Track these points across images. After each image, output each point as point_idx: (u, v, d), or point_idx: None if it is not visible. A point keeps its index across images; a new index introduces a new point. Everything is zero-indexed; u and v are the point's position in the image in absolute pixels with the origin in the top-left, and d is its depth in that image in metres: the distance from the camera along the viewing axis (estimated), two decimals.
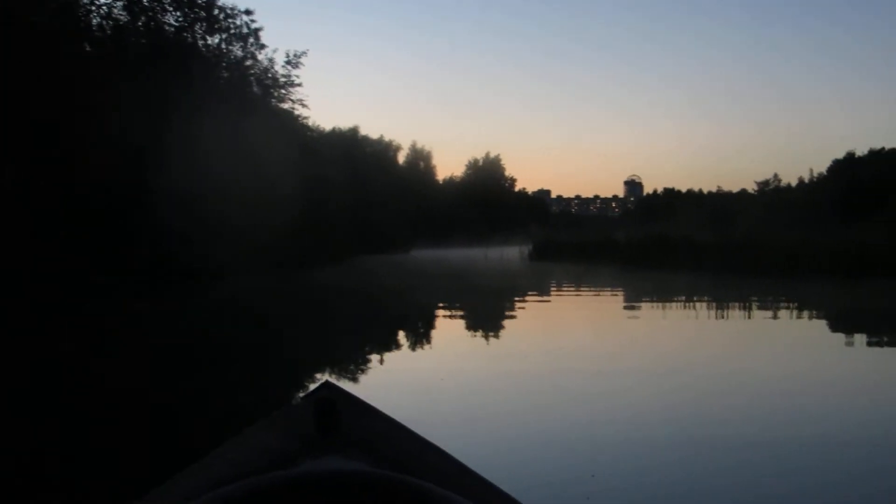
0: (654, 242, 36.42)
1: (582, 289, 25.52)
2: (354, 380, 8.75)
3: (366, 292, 25.68)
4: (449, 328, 15.41)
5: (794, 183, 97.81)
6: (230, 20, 36.61)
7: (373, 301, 22.43)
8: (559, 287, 26.91)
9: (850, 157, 79.93)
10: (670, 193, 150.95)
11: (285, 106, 41.13)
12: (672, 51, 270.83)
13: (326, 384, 2.56)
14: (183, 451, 5.54)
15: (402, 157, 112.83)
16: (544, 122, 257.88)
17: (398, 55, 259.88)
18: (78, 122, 23.59)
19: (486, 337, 13.70)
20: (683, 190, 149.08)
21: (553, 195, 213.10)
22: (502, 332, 14.34)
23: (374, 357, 10.96)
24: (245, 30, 37.45)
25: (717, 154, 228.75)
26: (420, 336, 14.06)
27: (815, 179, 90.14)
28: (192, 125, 27.51)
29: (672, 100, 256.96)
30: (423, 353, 11.71)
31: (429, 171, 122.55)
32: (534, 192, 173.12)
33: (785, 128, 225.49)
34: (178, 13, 31.69)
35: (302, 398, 2.52)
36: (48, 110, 22.83)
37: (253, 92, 38.56)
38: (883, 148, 76.85)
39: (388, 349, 11.94)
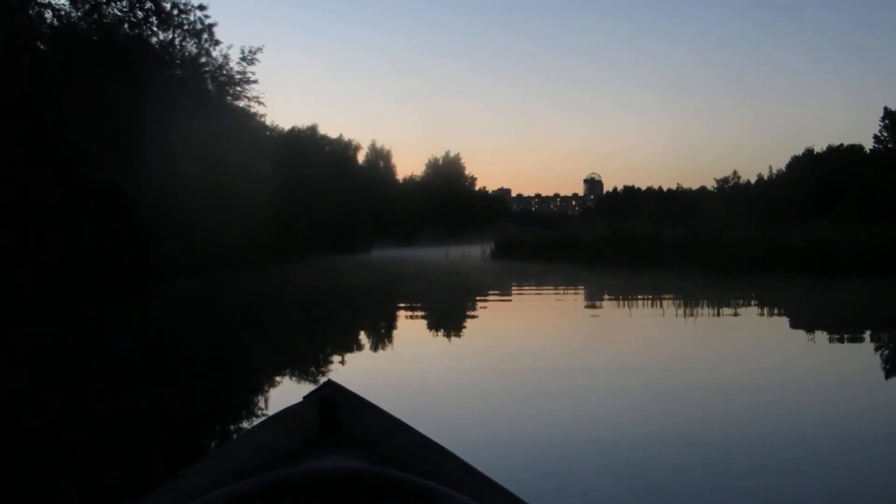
0: (617, 240, 36.01)
1: (544, 288, 25.03)
2: (341, 377, 8.20)
3: (328, 291, 25.07)
4: (414, 328, 15.10)
5: (753, 180, 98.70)
6: (183, 16, 35.93)
7: (338, 300, 21.88)
8: (520, 286, 26.38)
9: (809, 153, 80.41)
10: (630, 191, 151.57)
11: (241, 104, 40.51)
12: (630, 48, 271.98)
13: (329, 383, 2.49)
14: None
15: (361, 157, 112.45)
16: (503, 121, 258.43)
17: (357, 54, 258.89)
18: (19, 122, 22.85)
19: (452, 336, 13.44)
20: (643, 187, 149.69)
21: (513, 194, 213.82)
22: (468, 332, 13.96)
23: (357, 356, 11.06)
24: (199, 25, 36.79)
25: (676, 152, 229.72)
26: (384, 336, 13.87)
27: (773, 176, 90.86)
28: (142, 123, 26.82)
29: (630, 98, 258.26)
30: (389, 352, 11.64)
31: (389, 170, 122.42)
32: (494, 191, 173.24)
33: (744, 125, 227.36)
34: (128, 8, 30.65)
35: (304, 397, 2.45)
36: None
37: (208, 89, 37.84)
38: (842, 144, 77.40)
39: (353, 349, 12.06)
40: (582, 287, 25.02)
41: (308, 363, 10.60)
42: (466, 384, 8.34)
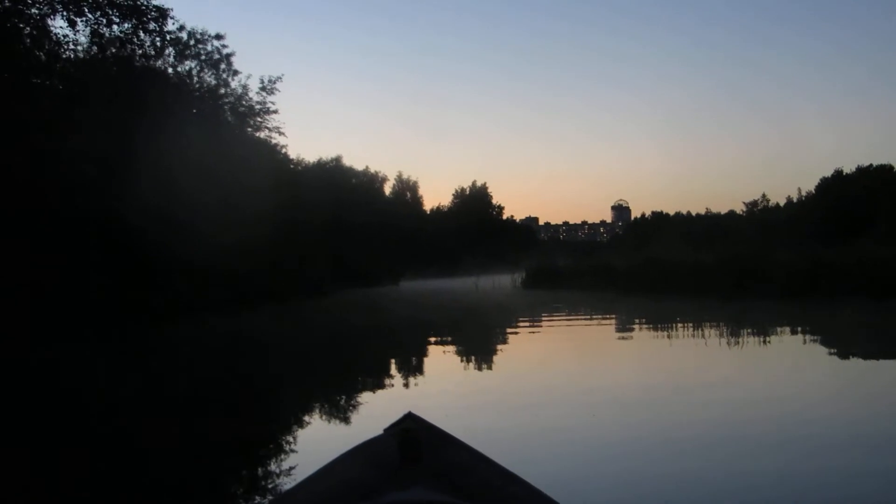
0: (652, 266, 34.62)
1: (587, 317, 23.73)
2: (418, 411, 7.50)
3: (373, 326, 23.94)
4: (473, 359, 14.41)
5: (782, 203, 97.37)
6: (200, 46, 35.18)
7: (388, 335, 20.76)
8: (563, 316, 25.01)
9: (839, 174, 79.05)
10: (658, 217, 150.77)
11: (261, 135, 39.57)
12: (656, 74, 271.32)
13: (409, 415, 2.68)
14: None
15: (388, 188, 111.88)
16: (530, 150, 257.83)
17: (381, 86, 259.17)
18: (37, 160, 22.01)
19: (514, 368, 12.92)
20: (671, 213, 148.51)
21: (541, 222, 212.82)
22: (531, 364, 13.10)
23: (426, 387, 10.61)
24: (216, 55, 35.99)
25: (704, 176, 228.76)
26: (450, 368, 13.22)
27: (803, 198, 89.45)
28: (160, 158, 25.88)
29: (657, 123, 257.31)
30: (459, 383, 11.15)
31: (416, 201, 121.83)
32: (522, 220, 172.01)
33: (772, 147, 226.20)
34: (146, 38, 29.77)
35: (385, 430, 2.60)
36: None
37: (227, 120, 36.97)
38: (871, 165, 76.01)
39: (421, 380, 11.51)
40: (625, 316, 23.61)
41: (382, 394, 10.14)
42: (541, 415, 8.01)
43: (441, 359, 14.88)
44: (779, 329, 16.73)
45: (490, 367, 13.17)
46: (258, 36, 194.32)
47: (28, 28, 25.44)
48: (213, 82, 36.50)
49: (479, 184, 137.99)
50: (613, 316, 23.81)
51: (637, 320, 21.75)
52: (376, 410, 8.65)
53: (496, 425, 7.50)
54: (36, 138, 22.31)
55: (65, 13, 26.22)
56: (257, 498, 5.26)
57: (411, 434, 2.47)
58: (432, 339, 18.77)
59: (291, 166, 52.89)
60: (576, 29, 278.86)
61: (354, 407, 9.26)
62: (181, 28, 34.72)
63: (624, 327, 20.09)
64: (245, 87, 38.39)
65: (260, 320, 27.96)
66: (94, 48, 28.36)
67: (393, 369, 13.45)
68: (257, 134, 39.32)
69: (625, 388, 9.71)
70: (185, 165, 26.95)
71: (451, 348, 16.76)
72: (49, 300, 21.19)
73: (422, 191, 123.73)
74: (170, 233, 25.38)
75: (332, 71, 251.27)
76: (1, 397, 11.32)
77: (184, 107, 32.95)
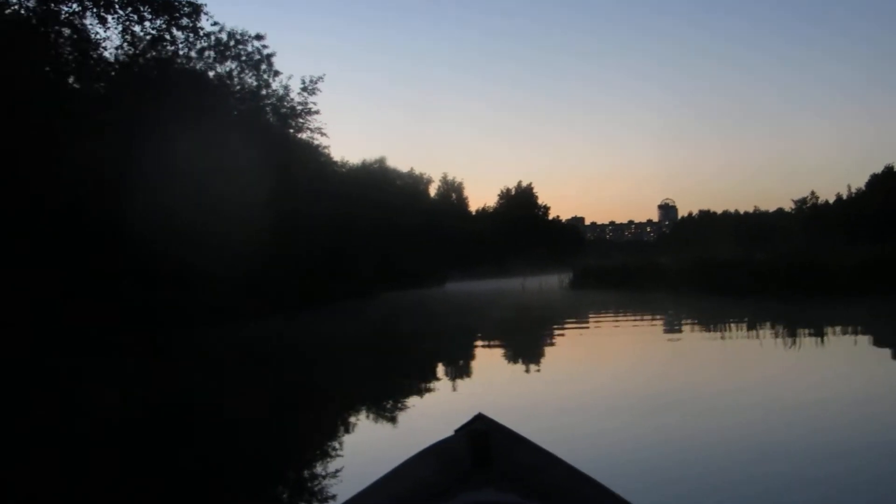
0: (703, 266, 33.73)
1: (643, 319, 22.86)
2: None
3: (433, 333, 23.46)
4: (538, 360, 14.08)
5: (831, 200, 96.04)
6: (241, 47, 34.85)
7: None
8: (619, 317, 24.21)
9: (889, 170, 77.72)
10: (706, 215, 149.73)
11: (303, 136, 39.18)
12: (702, 72, 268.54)
13: (479, 416, 2.61)
14: None
15: (433, 190, 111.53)
16: (575, 150, 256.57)
17: (423, 88, 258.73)
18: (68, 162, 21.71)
19: (581, 368, 12.71)
20: (719, 211, 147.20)
21: (587, 222, 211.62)
22: (595, 374, 12.30)
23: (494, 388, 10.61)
24: (257, 56, 35.63)
25: (751, 174, 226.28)
26: (514, 368, 13.38)
27: (853, 195, 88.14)
28: (198, 161, 25.48)
29: (703, 121, 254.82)
30: (527, 383, 11.11)
31: (461, 202, 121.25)
32: (567, 220, 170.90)
33: (820, 144, 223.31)
34: (179, 35, 29.33)
35: (456, 431, 2.53)
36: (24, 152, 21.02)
37: (269, 122, 36.61)
38: None
39: (489, 380, 11.63)
40: (677, 316, 22.82)
41: (447, 396, 10.00)
42: (612, 415, 7.94)
43: (501, 362, 14.42)
44: (836, 329, 15.89)
45: (549, 369, 12.75)
46: (297, 37, 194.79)
47: (61, 27, 25.22)
48: (254, 83, 36.18)
49: (524, 184, 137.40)
50: (664, 316, 22.99)
51: (689, 321, 20.97)
52: (443, 412, 8.51)
53: (565, 427, 7.29)
54: (67, 140, 22.03)
55: (95, 10, 25.92)
56: (330, 498, 5.40)
57: (482, 435, 2.43)
58: (486, 343, 18.21)
59: (336, 168, 52.58)
60: (624, 33, 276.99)
61: (421, 409, 9.08)
62: (221, 29, 34.44)
63: (678, 328, 19.26)
64: (286, 87, 38.11)
65: (308, 324, 27.54)
66: (128, 47, 27.98)
67: (452, 372, 13.14)
68: (299, 135, 39.01)
69: (687, 391, 9.23)
70: (224, 168, 26.54)
71: (510, 351, 16.18)
72: (83, 306, 20.89)
73: (467, 192, 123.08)
74: (209, 236, 25.00)
75: (370, 72, 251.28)
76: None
77: (225, 108, 32.57)
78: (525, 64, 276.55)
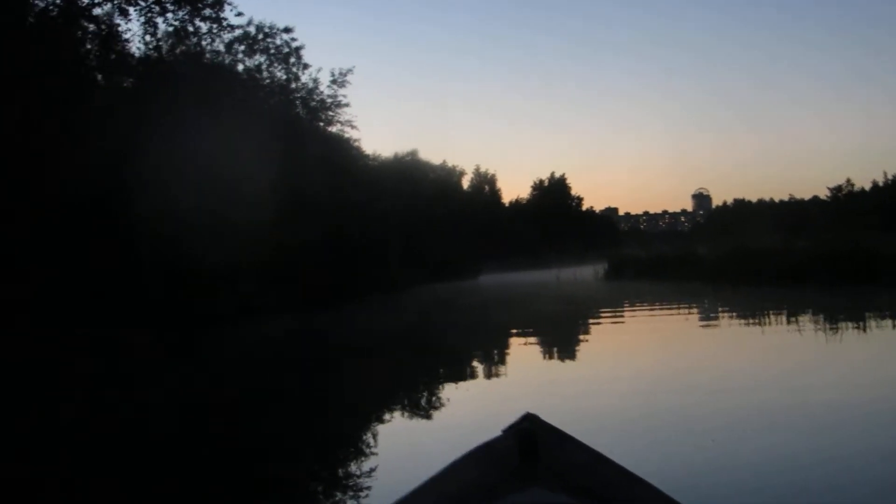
0: (740, 255, 33.00)
1: (682, 310, 22.25)
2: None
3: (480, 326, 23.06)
4: (589, 354, 13.83)
5: (867, 187, 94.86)
6: (269, 40, 34.54)
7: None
8: (658, 308, 23.57)
9: None
10: (741, 204, 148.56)
11: (334, 129, 38.88)
12: (733, 61, 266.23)
13: (528, 416, 2.60)
14: None
15: (465, 182, 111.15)
16: (608, 140, 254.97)
17: (456, 78, 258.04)
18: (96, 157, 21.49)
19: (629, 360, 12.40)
20: (754, 200, 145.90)
21: (620, 212, 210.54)
22: (646, 358, 12.34)
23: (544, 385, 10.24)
24: (286, 49, 35.33)
25: (786, 161, 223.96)
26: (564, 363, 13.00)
27: (889, 182, 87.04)
28: (229, 155, 25.18)
29: (735, 109, 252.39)
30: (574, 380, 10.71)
31: (494, 194, 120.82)
32: (601, 211, 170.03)
33: (855, 130, 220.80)
34: (203, 26, 28.87)
35: (504, 430, 2.56)
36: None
37: (299, 115, 36.32)
38: None
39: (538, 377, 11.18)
40: (717, 306, 22.27)
41: (495, 394, 9.78)
42: (662, 411, 7.68)
43: (554, 359, 13.97)
44: (880, 319, 15.32)
45: (598, 365, 12.28)
46: (325, 30, 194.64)
47: (86, 22, 24.97)
48: (284, 77, 35.89)
49: (557, 175, 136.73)
50: (704, 306, 22.50)
51: (729, 310, 20.39)
52: (490, 412, 8.23)
53: (614, 425, 7.15)
54: (92, 135, 21.80)
55: (117, 2, 25.62)
56: (380, 498, 5.30)
57: (529, 434, 2.44)
58: (530, 340, 17.51)
59: (368, 161, 52.28)
60: (652, 16, 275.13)
61: (469, 407, 8.88)
62: (249, 22, 34.17)
63: (720, 318, 18.73)
64: (316, 80, 37.75)
65: (345, 319, 27.40)
66: (151, 39, 27.62)
67: (496, 369, 12.80)
68: (329, 128, 38.68)
69: (744, 390, 8.67)
70: (253, 162, 26.23)
71: (559, 347, 15.69)
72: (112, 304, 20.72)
73: (500, 184, 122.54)
74: (238, 231, 24.70)
75: (398, 65, 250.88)
76: None
77: (254, 102, 32.27)
78: (557, 54, 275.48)
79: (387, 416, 9.03)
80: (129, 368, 15.66)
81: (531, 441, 2.42)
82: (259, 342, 20.65)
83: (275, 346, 19.68)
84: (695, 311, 21.52)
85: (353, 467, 6.68)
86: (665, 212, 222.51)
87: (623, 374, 10.85)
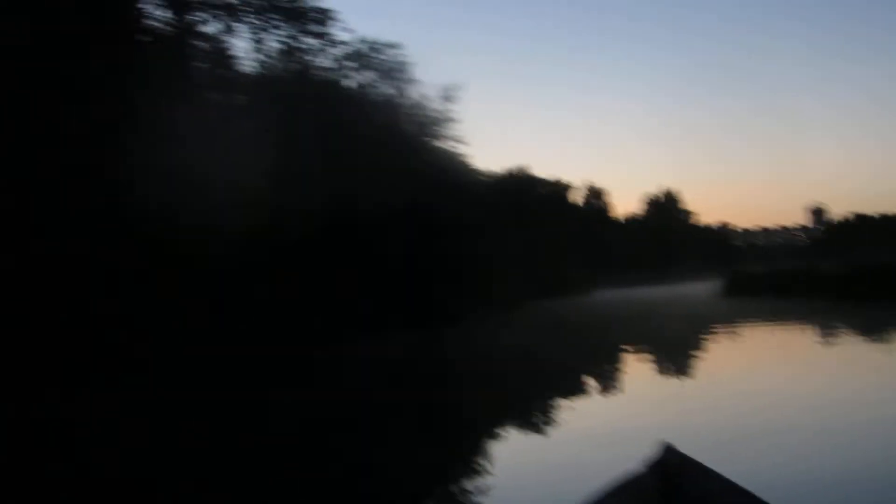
0: (865, 272, 31.59)
1: (818, 329, 21.30)
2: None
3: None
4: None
5: None
6: (378, 55, 34.44)
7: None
8: (793, 328, 22.62)
9: None
10: (861, 218, 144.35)
11: (444, 144, 38.60)
12: (849, 73, 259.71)
13: (668, 448, 2.71)
14: None
15: (578, 197, 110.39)
16: (721, 154, 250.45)
17: (570, 92, 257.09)
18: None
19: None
20: (875, 214, 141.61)
21: (736, 227, 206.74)
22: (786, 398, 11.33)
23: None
24: (394, 65, 35.18)
25: None
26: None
27: None
28: (340, 173, 25.16)
29: (852, 121, 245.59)
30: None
31: (606, 209, 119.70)
32: (716, 226, 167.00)
33: None
34: (311, 42, 28.85)
35: (644, 463, 2.62)
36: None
37: (408, 131, 36.13)
38: None
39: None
40: (852, 327, 21.18)
41: (633, 421, 9.74)
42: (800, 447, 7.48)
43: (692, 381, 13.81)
44: None
45: (728, 388, 12.16)
46: (437, 45, 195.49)
47: (196, 41, 25.12)
48: (393, 92, 35.71)
49: (669, 190, 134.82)
50: (836, 327, 21.38)
51: (868, 333, 19.27)
52: (625, 437, 8.26)
53: (756, 456, 7.03)
54: (206, 153, 21.89)
55: (224, 20, 25.72)
56: None
57: (671, 468, 2.45)
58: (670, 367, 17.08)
59: (479, 177, 52.03)
60: (764, 31, 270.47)
61: (612, 432, 8.94)
62: (360, 39, 34.13)
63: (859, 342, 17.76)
64: (425, 96, 37.57)
65: (469, 337, 27.75)
66: (261, 56, 27.74)
67: (630, 391, 12.95)
68: (439, 143, 38.40)
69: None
70: (365, 179, 26.17)
71: (696, 371, 15.42)
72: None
73: (611, 198, 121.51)
74: (354, 249, 24.80)
75: (512, 79, 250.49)
76: None
77: (363, 118, 32.17)
78: (666, 71, 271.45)
79: (519, 442, 9.16)
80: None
81: (672, 474, 2.40)
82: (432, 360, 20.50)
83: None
84: (827, 331, 20.52)
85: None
86: (783, 227, 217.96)
87: (763, 398, 10.63)
